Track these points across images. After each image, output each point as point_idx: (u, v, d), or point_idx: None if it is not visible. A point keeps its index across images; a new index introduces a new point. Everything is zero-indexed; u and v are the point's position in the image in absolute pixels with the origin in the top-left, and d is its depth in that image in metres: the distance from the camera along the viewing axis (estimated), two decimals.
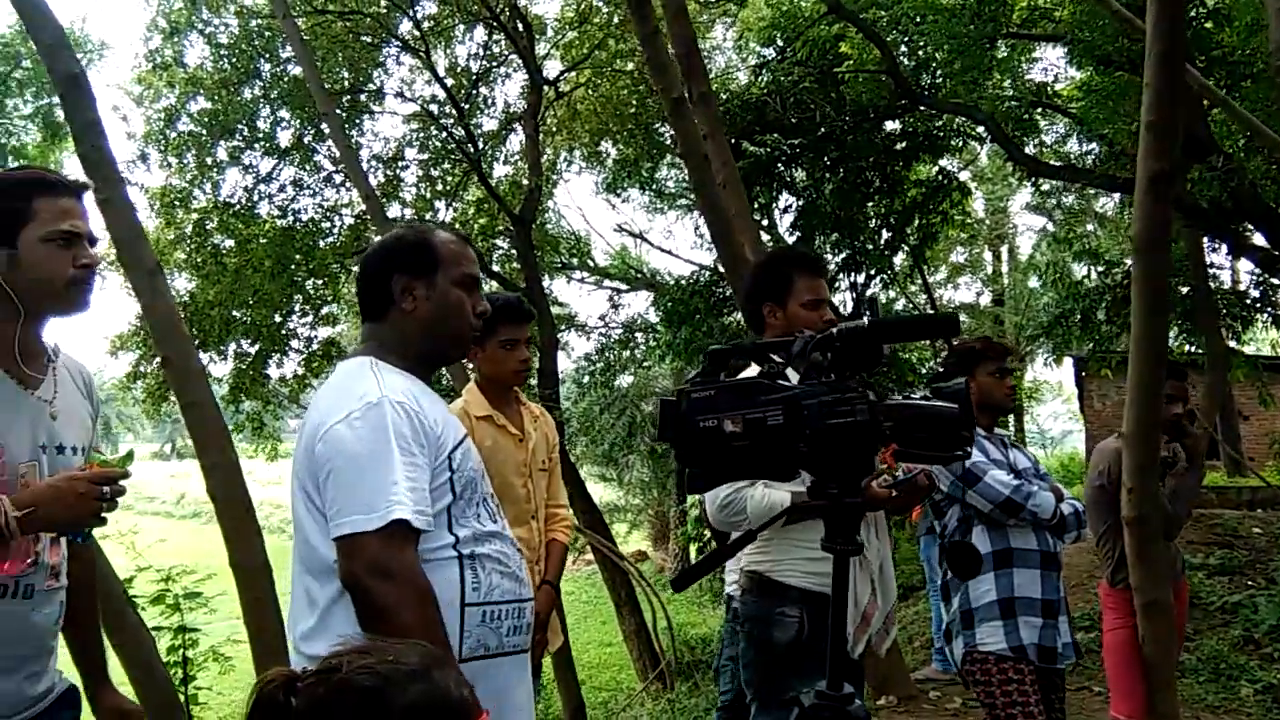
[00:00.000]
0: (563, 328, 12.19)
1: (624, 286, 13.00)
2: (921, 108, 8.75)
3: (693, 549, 11.25)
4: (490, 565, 1.60)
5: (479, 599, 1.57)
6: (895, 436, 1.33)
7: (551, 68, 9.93)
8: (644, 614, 8.79)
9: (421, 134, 10.02)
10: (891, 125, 9.54)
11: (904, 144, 9.19)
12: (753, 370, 2.18)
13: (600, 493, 14.97)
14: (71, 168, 10.09)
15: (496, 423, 2.74)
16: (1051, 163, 9.78)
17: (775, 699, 2.27)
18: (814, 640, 2.23)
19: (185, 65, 8.67)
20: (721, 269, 10.49)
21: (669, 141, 10.44)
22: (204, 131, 8.72)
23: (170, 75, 8.54)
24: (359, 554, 1.46)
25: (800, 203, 9.82)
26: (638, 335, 12.94)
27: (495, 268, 10.28)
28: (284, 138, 9.24)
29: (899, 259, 10.19)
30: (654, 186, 12.20)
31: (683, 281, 10.49)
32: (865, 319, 1.40)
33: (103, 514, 1.59)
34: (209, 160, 9.02)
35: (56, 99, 8.88)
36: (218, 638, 5.78)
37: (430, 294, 1.67)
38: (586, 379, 13.65)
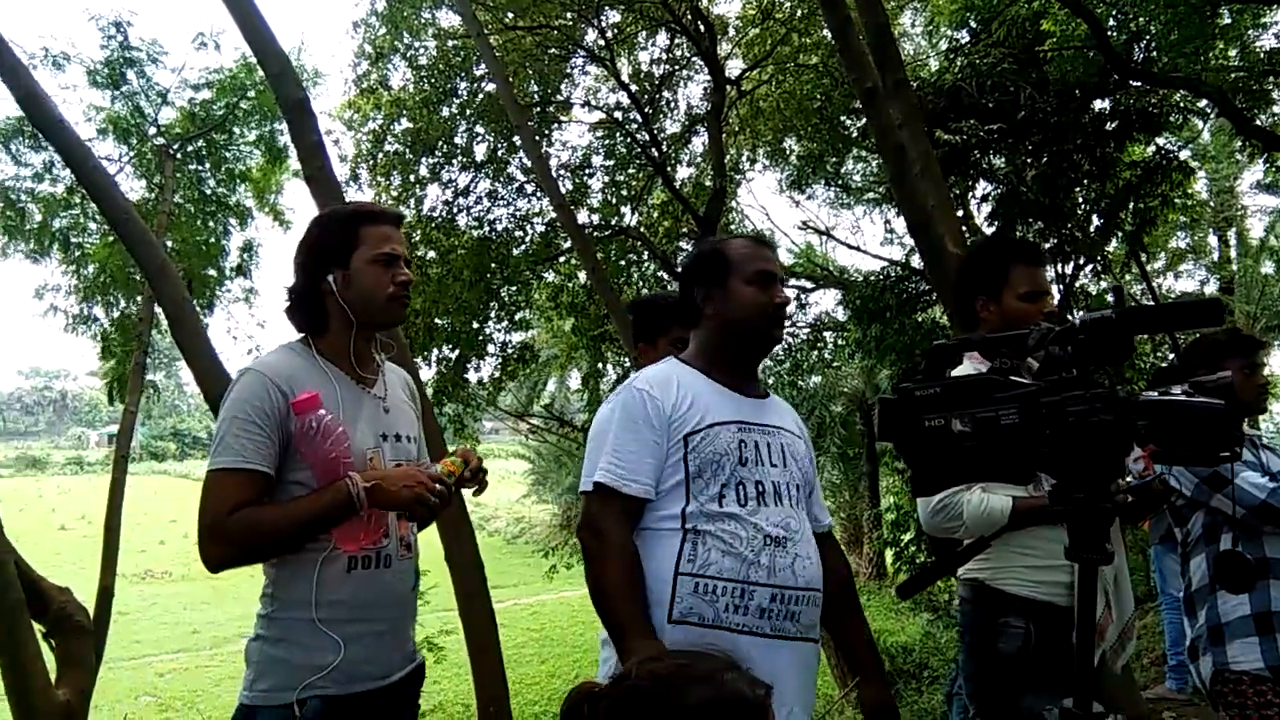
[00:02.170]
0: None
1: (810, 285, 12.77)
2: (1135, 84, 8.09)
3: (888, 554, 10.90)
4: (713, 543, 1.75)
5: (692, 570, 1.74)
6: (1152, 436, 1.21)
7: (734, 67, 9.90)
8: None
9: (606, 141, 10.22)
10: (1101, 104, 8.88)
11: (1115, 123, 8.53)
12: (966, 368, 2.07)
13: None
14: (291, 189, 10.98)
15: None
16: None
17: (1001, 713, 2.14)
18: (1041, 652, 2.10)
19: (390, 88, 9.22)
20: (913, 264, 10.22)
21: (856, 134, 10.19)
22: (408, 150, 9.25)
23: (376, 99, 9.12)
24: (583, 510, 1.83)
25: (1000, 191, 9.31)
26: (825, 334, 12.68)
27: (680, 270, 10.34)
28: (479, 152, 9.66)
29: (1112, 246, 9.47)
30: (840, 181, 11.93)
31: (872, 278, 10.18)
32: (1110, 308, 1.29)
33: (432, 508, 1.84)
34: (412, 177, 9.55)
35: (277, 126, 9.70)
36: (431, 628, 6.11)
37: (726, 298, 1.91)
38: (772, 380, 13.53)
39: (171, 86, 9.36)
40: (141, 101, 9.13)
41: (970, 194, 9.82)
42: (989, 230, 9.26)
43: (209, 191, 9.85)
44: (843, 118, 10.09)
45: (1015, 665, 2.12)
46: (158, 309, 9.46)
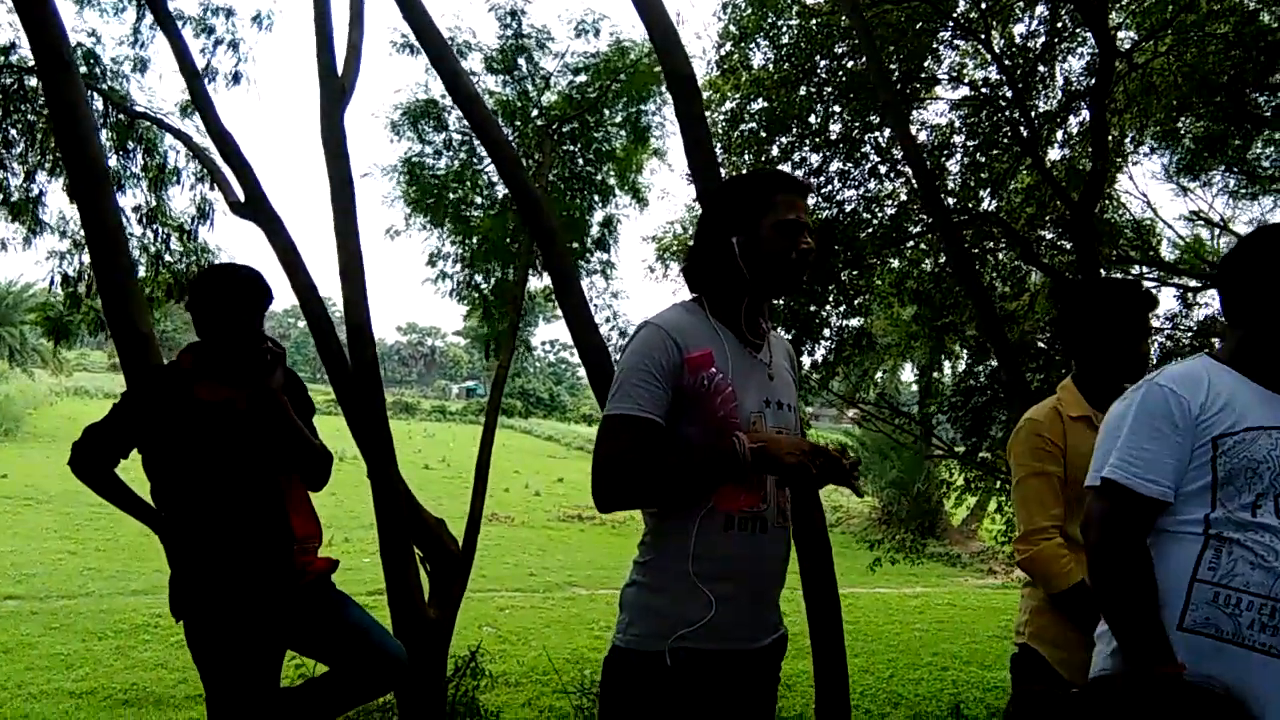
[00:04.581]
0: None
1: (1196, 283, 11.28)
2: None
3: None
4: (1240, 553, 1.64)
5: (1212, 579, 1.64)
6: None
7: (1124, 38, 8.91)
8: None
9: (970, 119, 9.64)
10: None
11: None
12: None
13: None
14: (650, 169, 11.49)
15: (1094, 424, 2.51)
16: None
17: None
18: None
19: (750, 68, 9.33)
20: None
21: (1270, 113, 8.83)
22: (762, 130, 9.31)
23: (736, 79, 9.26)
24: (1086, 508, 1.80)
25: None
26: (1215, 340, 11.17)
27: (1045, 260, 9.58)
28: (833, 131, 9.51)
29: None
30: (1244, 167, 10.40)
31: None
32: None
33: (817, 477, 1.82)
34: (764, 158, 9.61)
35: (643, 108, 10.17)
36: None
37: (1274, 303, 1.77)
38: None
39: (554, 71, 10.17)
40: (528, 85, 10.03)
41: None
42: None
43: (579, 170, 10.60)
44: (1254, 94, 8.79)
45: None
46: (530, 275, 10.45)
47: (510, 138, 10.19)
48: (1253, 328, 1.78)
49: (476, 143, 9.39)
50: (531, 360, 63.86)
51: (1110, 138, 9.29)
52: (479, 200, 10.59)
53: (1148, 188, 49.65)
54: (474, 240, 10.50)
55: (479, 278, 10.78)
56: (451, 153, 10.36)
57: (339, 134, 5.79)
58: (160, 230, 9.26)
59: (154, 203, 9.24)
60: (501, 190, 10.20)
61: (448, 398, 67.70)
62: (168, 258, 9.30)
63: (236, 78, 9.04)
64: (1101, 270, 9.72)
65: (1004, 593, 17.51)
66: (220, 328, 2.77)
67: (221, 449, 2.73)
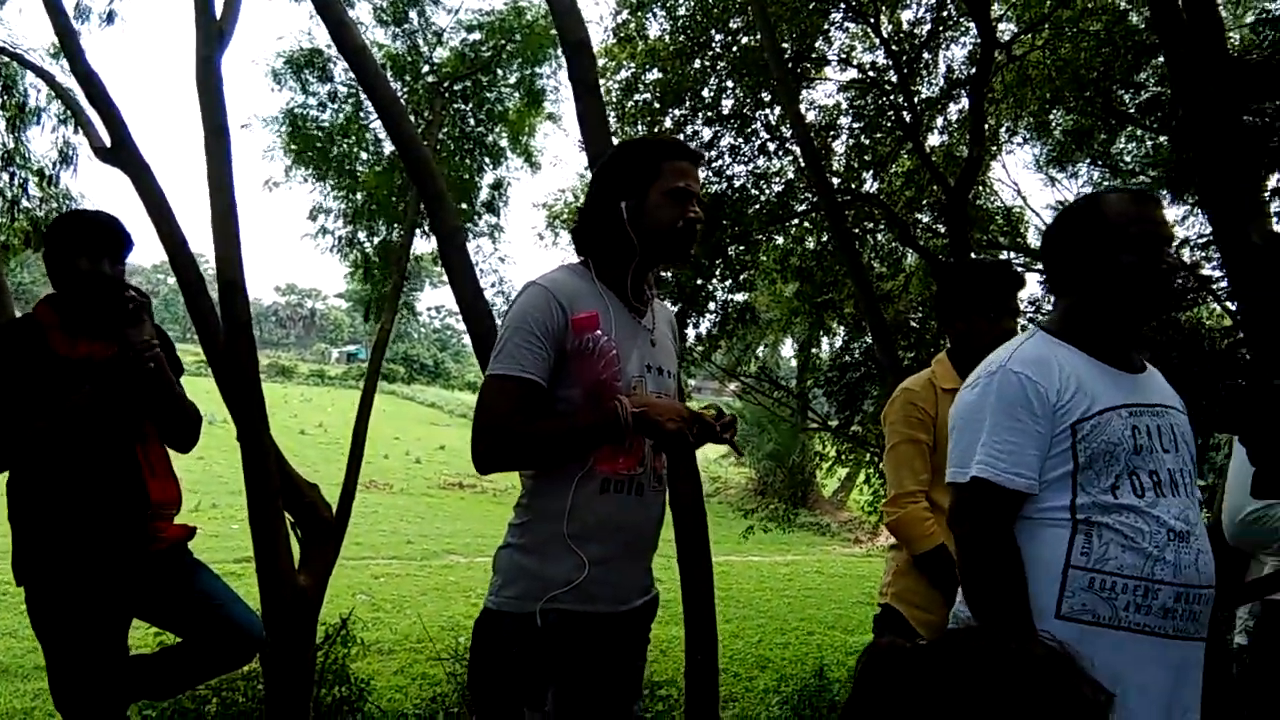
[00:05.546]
0: None
1: None
2: None
3: None
4: (1110, 536, 1.65)
5: (1086, 564, 1.65)
6: None
7: (1005, 29, 9.27)
8: None
9: (856, 102, 9.88)
10: None
11: None
12: None
13: None
14: (542, 132, 11.36)
15: None
16: None
17: None
18: None
19: (646, 38, 9.30)
20: (1183, 257, 9.31)
21: (1134, 110, 9.35)
22: (656, 101, 9.31)
23: (632, 48, 9.23)
24: (953, 501, 1.78)
25: None
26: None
27: (921, 243, 9.94)
28: (725, 106, 9.59)
29: None
30: (1108, 161, 11.00)
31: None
32: None
33: (693, 443, 1.85)
34: (657, 129, 9.62)
35: (537, 70, 10.02)
36: None
37: (1104, 268, 1.76)
38: None
39: (446, 27, 9.93)
40: (419, 40, 9.74)
41: (1264, 185, 8.82)
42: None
43: (470, 130, 10.39)
44: (1121, 91, 9.29)
45: None
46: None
47: (399, 93, 9.91)
48: (1077, 295, 1.82)
49: (364, 96, 9.10)
50: (416, 325, 62.62)
51: (987, 127, 9.67)
52: (365, 156, 10.28)
53: (1019, 177, 51.94)
54: (358, 197, 10.19)
55: (362, 235, 10.48)
56: (337, 105, 10.02)
57: (215, 80, 5.48)
58: (17, 174, 8.63)
59: (11, 144, 8.61)
60: (389, 147, 9.92)
61: (327, 362, 65.71)
62: (25, 203, 8.68)
63: (110, 17, 8.44)
64: (973, 254, 10.15)
65: (868, 561, 18.22)
66: (74, 275, 2.59)
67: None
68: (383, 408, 36.91)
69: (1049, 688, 0.86)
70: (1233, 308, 8.41)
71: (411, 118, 10.38)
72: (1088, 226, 1.77)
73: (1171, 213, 10.14)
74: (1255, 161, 8.50)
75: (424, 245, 10.97)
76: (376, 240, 10.42)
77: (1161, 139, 9.40)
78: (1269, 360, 1.33)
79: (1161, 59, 8.13)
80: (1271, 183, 8.87)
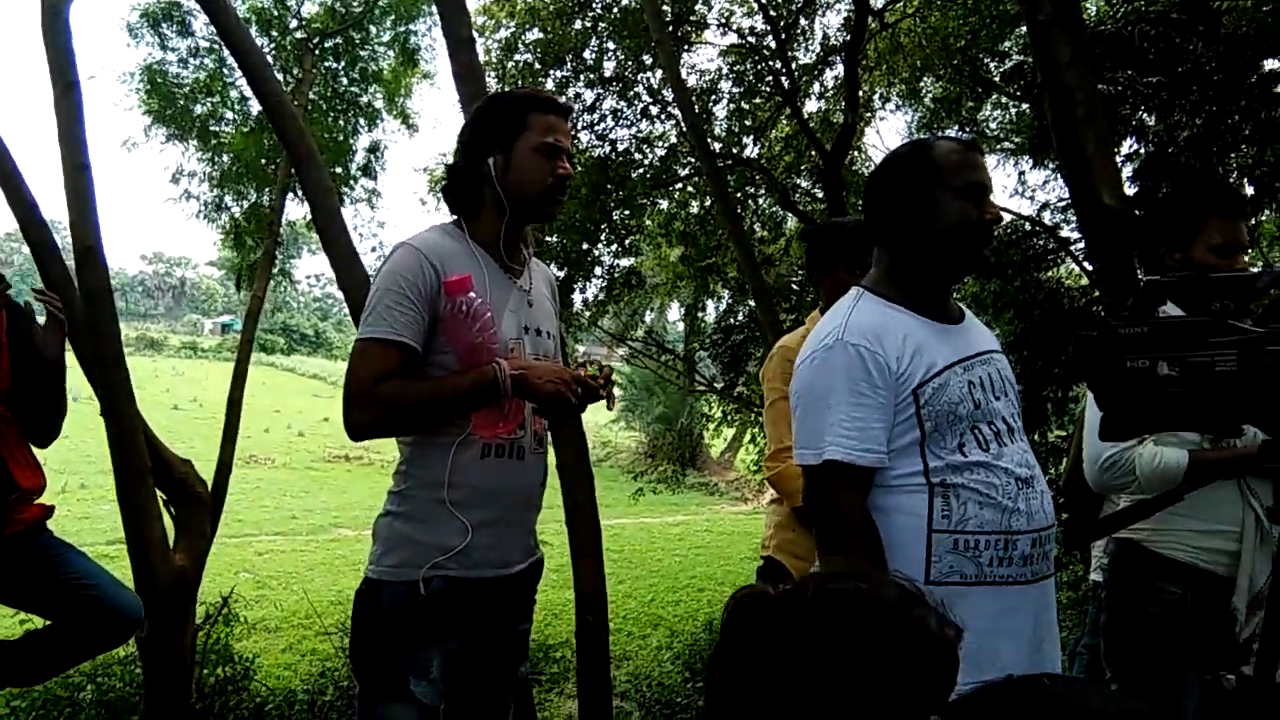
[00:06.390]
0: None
1: None
2: None
3: None
4: (966, 495, 1.64)
5: (948, 526, 1.64)
6: None
7: None
8: None
9: (736, 67, 9.97)
10: (1272, 64, 8.25)
11: None
12: (1176, 313, 1.95)
13: None
14: (420, 93, 11.05)
15: None
16: None
17: (1147, 680, 2.06)
18: (1197, 622, 2.00)
19: None
20: (1044, 219, 9.80)
21: (998, 78, 9.72)
22: (537, 62, 9.20)
23: (511, 6, 9.06)
24: (807, 484, 1.72)
25: (1149, 149, 8.80)
26: None
27: (800, 208, 10.16)
28: (607, 69, 9.55)
29: (1265, 218, 8.89)
30: (976, 126, 11.43)
31: (997, 231, 9.77)
32: None
33: (575, 405, 1.84)
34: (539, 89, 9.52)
35: (412, 27, 9.74)
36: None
37: (930, 211, 1.70)
38: None
39: None
40: None
41: (1116, 151, 9.31)
42: (1132, 191, 8.79)
43: (342, 90, 10.01)
44: (986, 60, 9.63)
45: (1164, 632, 2.04)
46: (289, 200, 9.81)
47: (265, 49, 9.48)
48: (899, 244, 1.76)
49: (226, 52, 8.68)
50: (295, 294, 60.47)
51: (861, 93, 9.91)
52: (230, 116, 9.79)
53: (893, 143, 53.20)
54: (224, 159, 9.73)
55: (230, 200, 10.01)
56: (198, 61, 9.49)
57: (64, 32, 5.14)
58: None
59: None
60: (256, 106, 9.50)
61: (200, 334, 62.90)
62: None
63: None
64: (849, 216, 10.41)
65: (755, 518, 18.72)
66: None
67: None
68: (262, 380, 35.72)
69: (899, 625, 0.90)
70: (1090, 267, 8.88)
71: (280, 75, 9.99)
72: (915, 170, 1.72)
73: (1033, 177, 10.67)
74: (1110, 127, 9.01)
75: (298, 210, 10.57)
76: (246, 205, 9.98)
77: (1024, 106, 9.80)
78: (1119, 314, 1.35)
79: (1024, 28, 8.51)
80: (1124, 148, 9.46)
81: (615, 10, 9.05)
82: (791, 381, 1.78)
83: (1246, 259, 2.24)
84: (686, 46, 9.85)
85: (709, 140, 9.76)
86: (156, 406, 26.45)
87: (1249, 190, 8.64)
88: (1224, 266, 2.10)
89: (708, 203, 10.42)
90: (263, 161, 9.37)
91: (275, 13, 9.34)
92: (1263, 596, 2.01)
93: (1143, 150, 8.86)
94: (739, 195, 10.03)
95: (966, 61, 9.58)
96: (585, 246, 10.36)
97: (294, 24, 9.57)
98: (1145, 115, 8.88)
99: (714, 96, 10.10)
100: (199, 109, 9.62)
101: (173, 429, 22.01)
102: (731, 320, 11.36)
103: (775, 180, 9.86)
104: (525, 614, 2.04)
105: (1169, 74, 8.02)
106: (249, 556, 13.86)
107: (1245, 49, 7.76)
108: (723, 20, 9.89)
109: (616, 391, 1.97)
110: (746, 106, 10.04)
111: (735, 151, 10.04)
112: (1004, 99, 10.62)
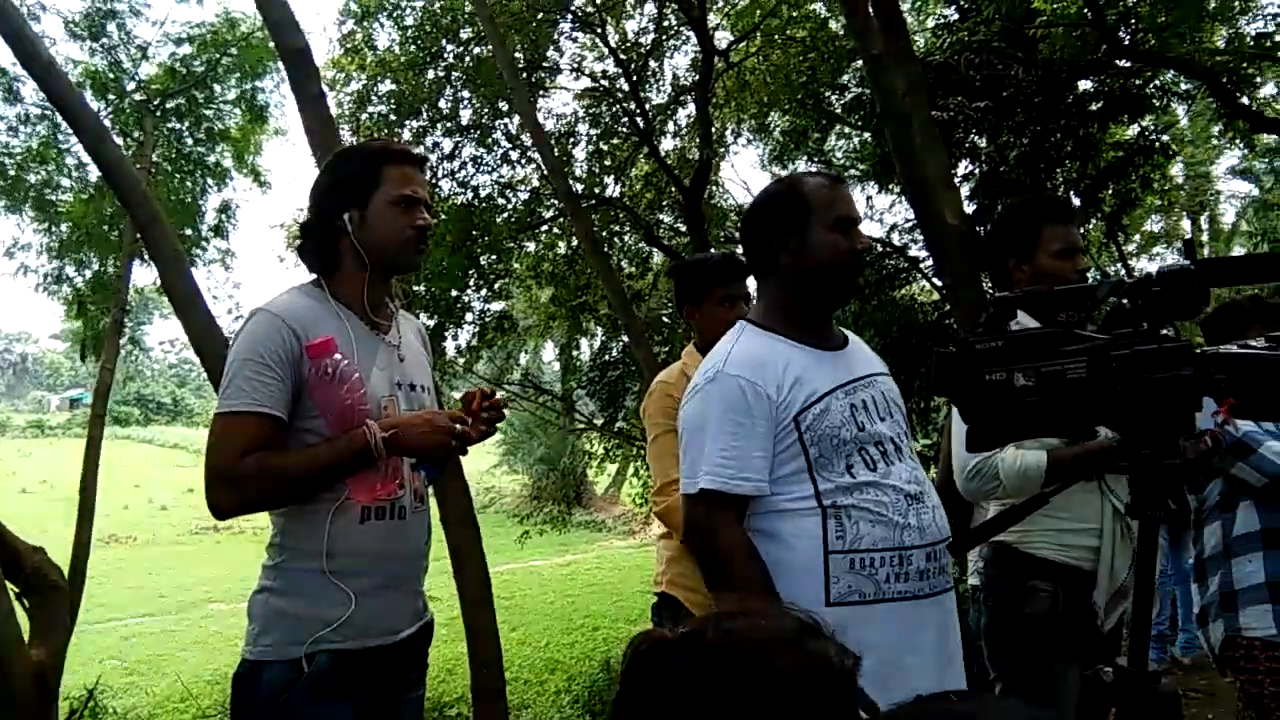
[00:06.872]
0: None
1: None
2: (1121, 64, 8.17)
3: None
4: (858, 515, 1.68)
5: (843, 547, 1.66)
6: (1233, 391, 1.22)
7: (722, 38, 9.85)
8: None
9: (592, 110, 10.14)
10: (1086, 84, 8.95)
11: (1099, 104, 8.61)
12: (1030, 322, 2.06)
13: None
14: (271, 149, 10.77)
15: None
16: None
17: (1025, 677, 2.16)
18: (1067, 616, 2.12)
19: (375, 49, 9.08)
20: (893, 240, 10.30)
21: (840, 110, 10.19)
22: (392, 113, 9.12)
23: (361, 59, 8.97)
24: (686, 514, 1.75)
25: (982, 170, 9.38)
26: None
27: (665, 243, 10.36)
28: (464, 117, 9.55)
29: (1090, 226, 9.60)
30: (822, 157, 11.95)
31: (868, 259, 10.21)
32: (1185, 260, 1.30)
33: (455, 451, 1.79)
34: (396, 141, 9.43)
35: (258, 84, 9.51)
36: None
37: (804, 245, 1.77)
38: None
39: (152, 40, 9.15)
40: (121, 55, 8.91)
41: (953, 173, 9.86)
42: (971, 210, 9.33)
43: (188, 150, 9.65)
44: (828, 93, 10.08)
45: (1040, 629, 2.14)
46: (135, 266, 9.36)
47: (103, 113, 9.08)
48: (778, 277, 1.82)
49: (60, 118, 8.27)
50: (149, 362, 57.39)
51: (714, 130, 10.23)
52: (67, 183, 9.30)
53: (748, 175, 54.80)
54: (63, 228, 9.21)
55: (71, 270, 9.47)
56: (29, 129, 8.99)
57: None
58: None
59: None
60: (96, 172, 9.06)
61: (46, 410, 58.84)
62: None
63: None
64: (712, 249, 10.69)
65: (645, 550, 18.76)
66: None
67: None
68: (118, 454, 33.68)
69: (798, 660, 0.89)
70: (939, 283, 9.35)
71: (119, 139, 9.58)
72: (789, 207, 1.78)
73: (880, 201, 11.20)
74: (945, 150, 9.57)
75: (148, 275, 10.10)
76: (89, 273, 9.46)
77: (866, 135, 10.30)
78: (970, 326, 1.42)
79: (860, 62, 8.98)
80: (961, 169, 10.05)
81: (468, 59, 9.08)
82: (679, 417, 1.82)
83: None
84: (542, 92, 9.97)
85: (571, 182, 9.88)
86: (3, 492, 24.65)
87: (1076, 202, 9.32)
88: (1068, 268, 2.24)
89: (574, 243, 10.51)
90: (105, 228, 8.92)
91: (111, 75, 8.94)
92: (1125, 589, 2.15)
93: (977, 171, 9.45)
94: (604, 234, 10.17)
95: (809, 96, 10.01)
96: (454, 294, 10.28)
97: (131, 86, 9.19)
98: (977, 138, 9.48)
99: (573, 139, 10.24)
100: (33, 178, 9.09)
101: (21, 514, 20.46)
102: (606, 357, 11.45)
103: (639, 217, 10.04)
104: (418, 679, 1.95)
105: (995, 99, 8.60)
106: (114, 642, 13.01)
107: (1061, 72, 8.41)
108: (575, 65, 10.08)
109: (496, 435, 1.94)
110: (605, 147, 10.22)
111: (598, 191, 10.18)
112: (847, 129, 11.15)
